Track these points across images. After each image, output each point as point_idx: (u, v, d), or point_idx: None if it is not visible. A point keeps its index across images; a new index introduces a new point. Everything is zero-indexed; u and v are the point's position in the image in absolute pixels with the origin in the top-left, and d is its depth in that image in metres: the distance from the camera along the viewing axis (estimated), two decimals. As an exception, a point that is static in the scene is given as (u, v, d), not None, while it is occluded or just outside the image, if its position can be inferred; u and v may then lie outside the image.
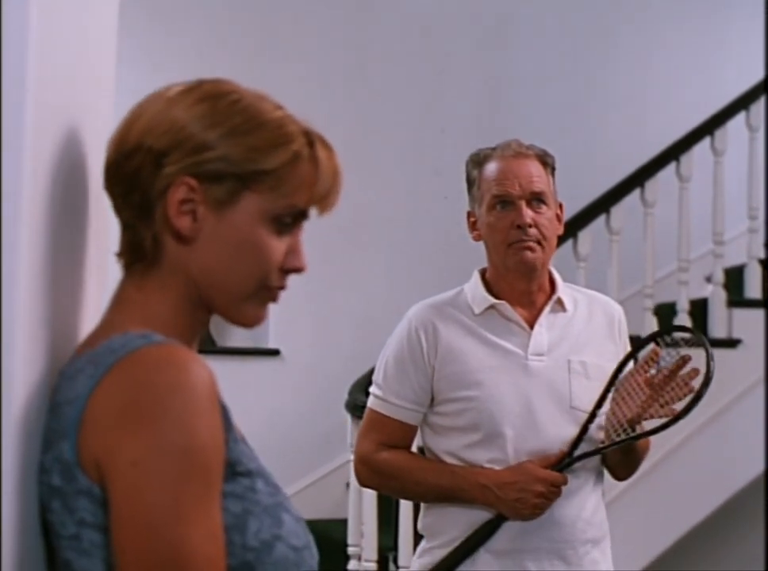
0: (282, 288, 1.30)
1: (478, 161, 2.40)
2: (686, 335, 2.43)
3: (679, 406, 2.25)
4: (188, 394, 1.15)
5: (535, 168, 2.36)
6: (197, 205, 1.25)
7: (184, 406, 1.14)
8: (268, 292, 1.29)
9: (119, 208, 1.29)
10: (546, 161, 2.39)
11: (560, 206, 2.42)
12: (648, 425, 2.30)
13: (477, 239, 2.42)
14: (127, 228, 1.28)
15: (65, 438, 1.18)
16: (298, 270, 1.30)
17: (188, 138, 1.24)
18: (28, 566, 1.20)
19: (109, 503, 1.15)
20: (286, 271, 1.29)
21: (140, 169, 1.25)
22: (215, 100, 1.27)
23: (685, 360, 2.26)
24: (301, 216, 1.30)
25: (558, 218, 2.40)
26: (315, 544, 1.30)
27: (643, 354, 2.36)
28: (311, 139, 1.29)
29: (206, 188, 1.24)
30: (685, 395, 2.25)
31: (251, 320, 1.30)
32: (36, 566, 1.22)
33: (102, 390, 1.17)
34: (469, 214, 2.43)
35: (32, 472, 1.20)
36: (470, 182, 2.42)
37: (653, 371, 2.28)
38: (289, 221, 1.28)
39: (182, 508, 1.12)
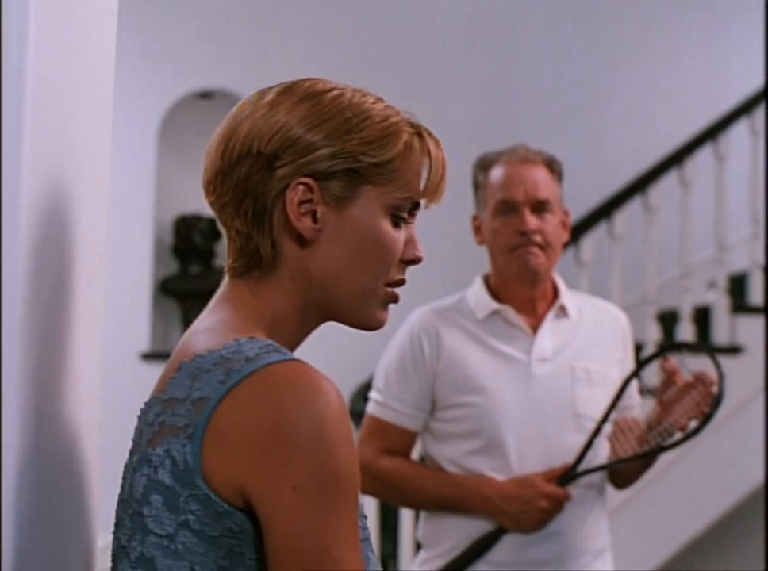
0: (402, 282, 1.30)
1: (484, 165, 2.38)
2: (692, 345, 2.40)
3: (692, 424, 2.22)
4: (331, 421, 1.15)
5: (541, 175, 2.34)
6: (316, 205, 1.24)
7: (326, 432, 1.14)
8: (388, 292, 1.29)
9: (229, 217, 1.27)
10: (553, 168, 2.36)
11: (566, 213, 2.39)
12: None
13: (481, 243, 2.40)
14: (239, 237, 1.26)
15: (186, 439, 1.16)
16: (417, 259, 1.31)
17: (298, 138, 1.24)
18: (27, 566, 1.19)
19: (264, 525, 1.14)
20: (405, 263, 1.30)
21: (250, 175, 1.24)
22: (317, 97, 1.26)
23: (697, 378, 2.22)
24: (415, 207, 1.30)
25: (564, 225, 2.38)
26: None
27: (649, 367, 2.34)
28: (418, 129, 1.29)
29: (324, 186, 1.24)
30: (696, 415, 2.22)
31: (376, 322, 1.30)
32: (33, 566, 1.21)
33: (236, 404, 1.15)
34: (474, 218, 2.41)
35: (31, 469, 1.19)
36: (475, 186, 2.40)
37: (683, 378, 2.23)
38: (405, 213, 1.29)
39: (339, 530, 1.13)
